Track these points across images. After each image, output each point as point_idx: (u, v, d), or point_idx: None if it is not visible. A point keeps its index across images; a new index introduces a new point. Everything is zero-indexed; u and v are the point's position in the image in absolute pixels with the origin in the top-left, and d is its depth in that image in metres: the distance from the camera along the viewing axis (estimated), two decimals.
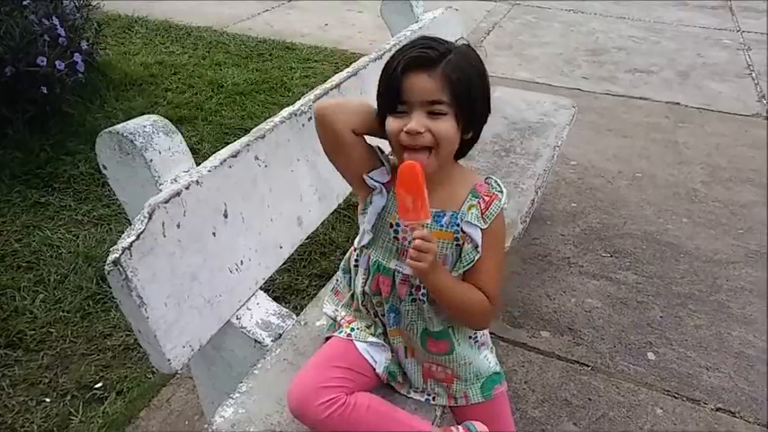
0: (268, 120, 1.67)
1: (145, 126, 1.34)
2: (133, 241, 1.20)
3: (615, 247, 2.89)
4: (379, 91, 1.22)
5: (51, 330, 2.27)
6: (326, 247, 2.78)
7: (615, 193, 3.32)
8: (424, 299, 1.29)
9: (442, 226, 1.26)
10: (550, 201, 3.22)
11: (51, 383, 2.08)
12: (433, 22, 2.62)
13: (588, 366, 2.23)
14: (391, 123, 1.20)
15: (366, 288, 1.33)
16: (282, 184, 1.66)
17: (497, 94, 2.96)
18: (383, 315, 1.34)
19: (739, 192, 3.42)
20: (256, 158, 1.56)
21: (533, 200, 2.19)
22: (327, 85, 1.93)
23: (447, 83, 1.16)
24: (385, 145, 1.27)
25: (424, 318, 1.31)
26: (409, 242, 1.20)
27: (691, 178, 3.54)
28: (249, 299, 1.52)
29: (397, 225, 1.28)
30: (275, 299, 1.64)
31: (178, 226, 1.31)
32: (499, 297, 1.31)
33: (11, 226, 2.80)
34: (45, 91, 3.28)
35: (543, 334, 2.38)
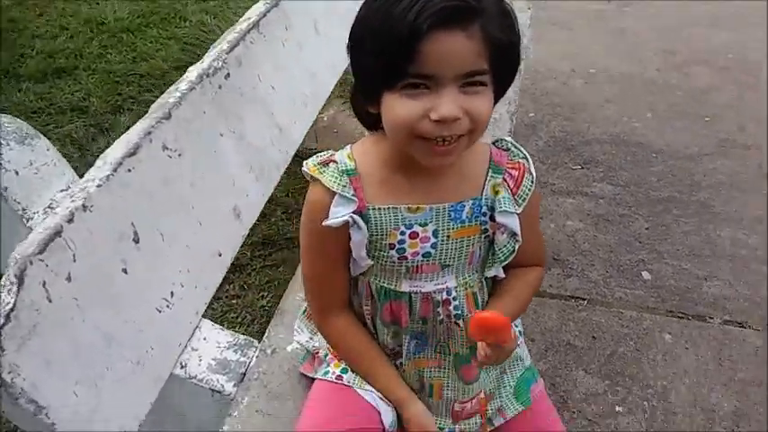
0: (168, 90, 1.23)
1: None
2: (2, 325, 0.80)
3: (584, 157, 2.63)
4: (372, 54, 0.80)
5: None
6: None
7: (572, 95, 3.02)
8: (459, 318, 0.98)
9: (463, 221, 0.94)
10: None
11: None
12: None
13: (584, 300, 2.01)
14: (400, 107, 0.81)
15: (378, 323, 1.01)
16: (206, 172, 1.24)
17: None
18: (399, 346, 1.02)
19: (696, 76, 3.21)
20: (165, 148, 1.14)
21: (510, 130, 1.85)
22: (242, 26, 1.47)
23: (489, 45, 0.80)
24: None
25: (456, 340, 1.00)
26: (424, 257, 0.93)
27: (645, 67, 3.28)
28: (191, 336, 1.15)
29: (400, 242, 0.94)
30: None
31: (68, 279, 0.91)
32: None
33: None
34: None
35: None
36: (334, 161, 0.93)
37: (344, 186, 0.91)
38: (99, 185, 0.98)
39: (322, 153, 0.96)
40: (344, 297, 1.02)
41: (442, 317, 0.98)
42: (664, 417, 1.65)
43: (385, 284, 0.97)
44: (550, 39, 3.49)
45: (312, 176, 0.93)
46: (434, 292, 0.96)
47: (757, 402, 1.69)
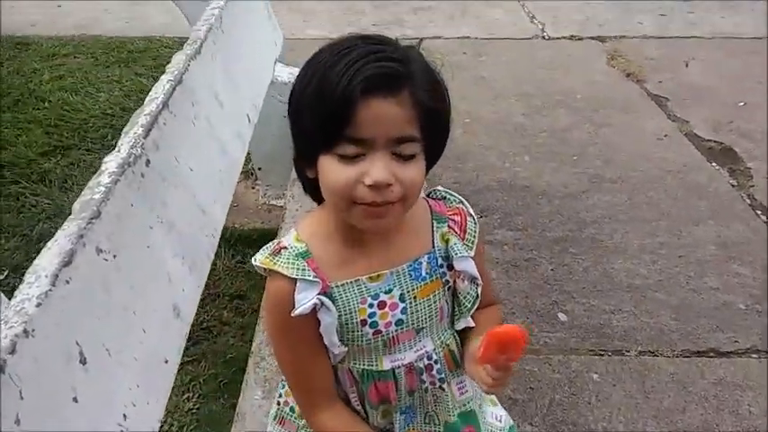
0: (89, 186, 1.10)
1: None
2: None
3: (480, 206, 2.73)
4: (310, 120, 0.83)
5: None
6: None
7: (455, 145, 3.15)
8: (443, 382, 0.97)
9: (424, 278, 0.93)
10: None
11: None
12: None
13: None
14: (336, 172, 0.82)
15: (367, 406, 0.96)
16: (142, 271, 1.12)
17: None
18: (391, 424, 0.97)
19: (556, 117, 3.48)
20: (99, 251, 1.00)
21: None
22: (151, 107, 1.37)
23: (418, 111, 0.82)
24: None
25: (444, 406, 0.98)
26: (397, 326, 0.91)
27: (511, 113, 3.52)
28: None
29: (371, 316, 0.91)
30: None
31: (18, 422, 0.75)
32: None
33: None
34: None
35: None
36: (284, 247, 0.90)
37: (304, 270, 0.88)
38: (38, 304, 0.84)
39: (267, 245, 0.93)
40: (330, 386, 0.96)
41: (427, 384, 0.96)
42: None
43: (366, 367, 0.94)
44: None
45: (267, 270, 0.89)
46: (416, 361, 0.95)
47: (685, 429, 1.79)
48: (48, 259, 0.91)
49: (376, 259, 0.91)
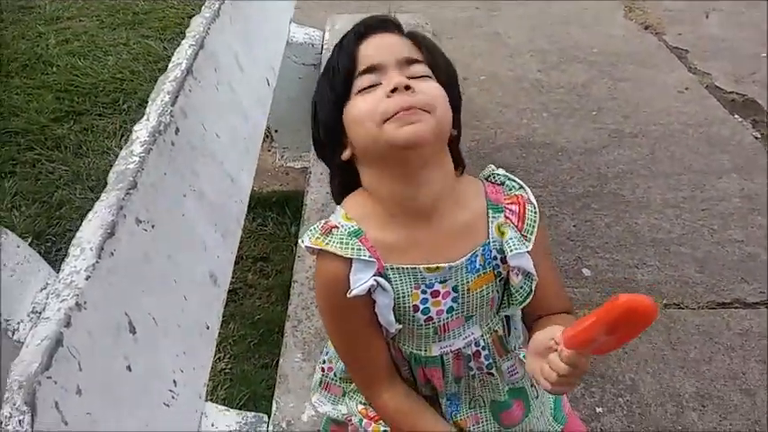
0: (122, 155, 1.09)
1: None
2: None
3: (499, 163, 2.63)
4: (329, 72, 0.89)
5: None
6: None
7: (472, 103, 3.10)
8: (492, 368, 0.94)
9: (478, 271, 0.90)
10: None
11: None
12: None
13: None
14: (359, 105, 0.85)
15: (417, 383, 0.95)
16: (179, 239, 1.12)
17: (339, 25, 2.49)
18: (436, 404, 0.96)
19: (573, 73, 3.41)
20: (138, 222, 1.00)
21: None
22: (176, 72, 1.35)
23: (421, 47, 0.90)
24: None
25: (492, 389, 0.96)
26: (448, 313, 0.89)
27: (528, 69, 3.45)
28: (200, 424, 1.02)
29: (423, 302, 0.89)
30: None
31: (79, 393, 0.76)
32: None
33: None
34: None
35: None
36: (335, 226, 0.87)
37: (359, 249, 0.85)
38: (88, 277, 0.84)
39: (314, 225, 0.90)
40: (388, 366, 0.94)
41: (474, 371, 0.94)
42: (640, 410, 1.72)
43: (415, 351, 0.92)
44: None
45: (318, 249, 0.86)
46: (464, 347, 0.92)
47: (712, 379, 1.81)
48: (90, 231, 0.92)
49: (431, 247, 0.88)
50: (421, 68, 0.86)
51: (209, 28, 1.54)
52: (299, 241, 0.92)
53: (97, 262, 0.87)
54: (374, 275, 0.85)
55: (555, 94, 3.23)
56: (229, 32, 1.71)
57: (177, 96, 1.30)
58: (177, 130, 1.24)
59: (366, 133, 0.83)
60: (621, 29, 3.81)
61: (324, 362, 1.07)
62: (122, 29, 3.68)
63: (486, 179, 0.95)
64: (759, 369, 1.83)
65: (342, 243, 0.85)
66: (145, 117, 1.21)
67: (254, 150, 1.64)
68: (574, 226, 2.38)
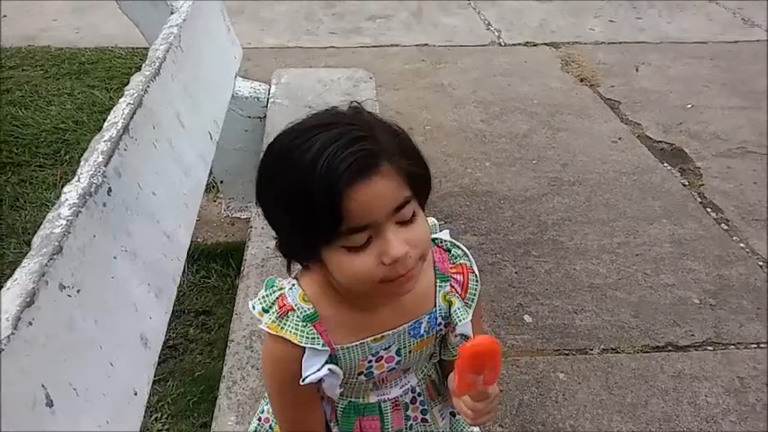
0: (49, 218, 1.08)
1: None
2: None
3: (444, 211, 2.77)
4: (295, 220, 0.80)
5: None
6: None
7: None
8: (426, 413, 0.98)
9: (421, 335, 0.94)
10: None
11: None
12: (194, 11, 2.07)
13: None
14: (351, 263, 0.79)
15: None
16: (107, 303, 1.11)
17: (285, 79, 2.54)
18: None
19: (514, 123, 3.54)
20: (62, 287, 0.99)
21: None
22: (111, 132, 1.35)
23: (401, 173, 0.80)
24: None
25: None
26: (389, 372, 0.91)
27: (471, 119, 3.57)
28: None
29: (368, 368, 0.93)
30: None
31: None
32: None
33: None
34: None
35: None
36: (291, 309, 0.89)
37: (313, 339, 0.87)
38: (1, 350, 0.82)
39: (268, 298, 0.90)
40: (322, 430, 0.98)
41: (411, 421, 0.98)
42: None
43: (353, 399, 0.96)
44: (383, 100, 3.66)
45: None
46: (401, 395, 0.97)
47: (647, 422, 1.86)
48: (8, 300, 0.90)
49: (381, 321, 0.91)
50: (409, 209, 0.81)
51: (147, 86, 1.56)
52: (250, 305, 0.91)
53: (12, 333, 0.85)
54: (326, 363, 0.88)
55: (497, 143, 3.34)
56: (170, 89, 1.73)
57: (111, 156, 1.29)
58: (110, 191, 1.23)
59: (359, 288, 0.83)
60: (559, 81, 4.00)
61: (262, 411, 1.09)
62: (67, 78, 3.66)
63: (433, 241, 0.97)
64: (691, 411, 1.89)
65: (297, 329, 0.87)
66: (75, 178, 1.20)
67: (194, 205, 1.64)
68: (515, 273, 2.44)
